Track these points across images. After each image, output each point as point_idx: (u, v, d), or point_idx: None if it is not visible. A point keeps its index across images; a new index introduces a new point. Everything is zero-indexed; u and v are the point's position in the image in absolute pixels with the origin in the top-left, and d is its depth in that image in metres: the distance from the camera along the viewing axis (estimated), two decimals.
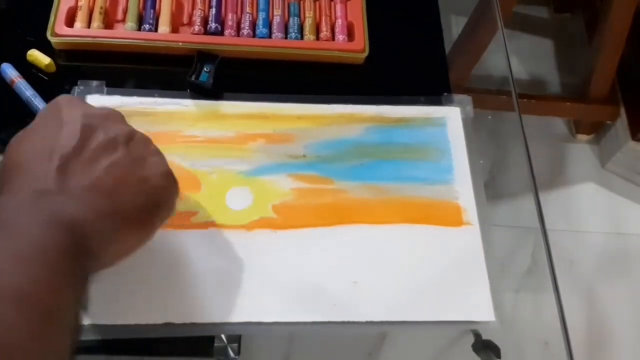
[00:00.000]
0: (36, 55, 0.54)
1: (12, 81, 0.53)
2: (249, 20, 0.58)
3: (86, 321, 0.43)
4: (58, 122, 0.38)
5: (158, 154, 0.41)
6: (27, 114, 0.52)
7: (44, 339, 0.30)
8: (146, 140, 0.40)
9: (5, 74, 0.53)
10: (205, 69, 0.54)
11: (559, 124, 1.55)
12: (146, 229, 0.39)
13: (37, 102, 0.52)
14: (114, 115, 0.40)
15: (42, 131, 0.38)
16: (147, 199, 0.38)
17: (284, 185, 0.50)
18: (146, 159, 0.39)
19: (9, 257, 0.31)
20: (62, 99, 0.40)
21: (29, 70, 0.54)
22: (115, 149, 0.38)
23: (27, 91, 0.52)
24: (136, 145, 0.39)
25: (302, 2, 0.60)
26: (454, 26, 1.16)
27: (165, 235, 0.47)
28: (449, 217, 0.51)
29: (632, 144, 1.40)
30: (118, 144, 0.38)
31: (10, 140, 0.38)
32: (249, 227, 0.48)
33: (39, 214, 0.34)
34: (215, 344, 0.45)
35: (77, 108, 0.39)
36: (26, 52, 0.54)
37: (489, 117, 0.60)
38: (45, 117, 0.39)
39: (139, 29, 0.56)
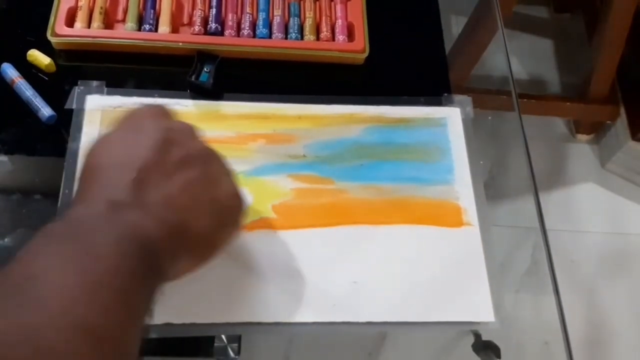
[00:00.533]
0: (36, 56, 0.54)
1: (13, 81, 0.53)
2: (249, 21, 0.58)
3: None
4: (138, 132, 0.37)
5: (230, 173, 0.40)
6: (27, 114, 0.52)
7: None
8: (221, 159, 0.40)
9: (6, 74, 0.53)
10: (205, 69, 0.54)
11: (559, 124, 1.55)
12: (213, 248, 0.39)
13: (37, 102, 0.52)
14: (193, 131, 0.40)
15: (121, 140, 0.38)
16: (218, 219, 0.38)
17: (284, 186, 0.50)
18: (220, 178, 0.39)
19: (79, 279, 0.30)
20: (144, 109, 0.40)
21: (29, 70, 0.54)
22: (192, 166, 0.37)
23: (27, 91, 0.52)
24: (212, 164, 0.39)
25: (302, 2, 0.60)
26: (454, 26, 1.15)
27: None
28: (449, 217, 0.51)
29: (632, 144, 1.40)
30: (195, 162, 0.38)
31: (90, 147, 0.38)
32: (249, 227, 0.48)
33: (113, 228, 0.33)
34: (215, 344, 0.45)
35: (158, 120, 0.39)
36: (26, 52, 0.54)
37: (489, 117, 0.60)
38: (126, 126, 0.39)
39: (139, 29, 0.56)
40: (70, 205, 0.36)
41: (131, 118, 0.39)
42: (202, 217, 0.37)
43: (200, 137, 0.41)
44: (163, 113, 0.40)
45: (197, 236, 0.37)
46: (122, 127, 0.39)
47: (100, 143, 0.38)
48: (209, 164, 0.39)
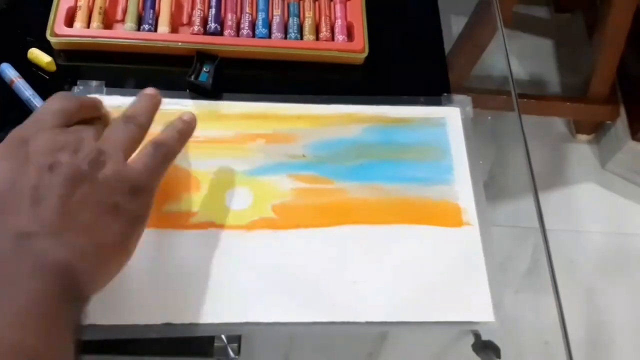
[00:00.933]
0: (37, 54, 0.54)
1: (12, 81, 0.53)
2: (249, 21, 0.58)
3: (86, 321, 0.43)
4: (23, 153, 0.36)
5: (123, 166, 0.38)
6: (28, 113, 0.52)
7: None
8: (109, 155, 0.38)
9: (5, 74, 0.53)
10: (204, 69, 0.54)
11: (559, 124, 1.55)
12: (127, 251, 0.38)
13: (36, 102, 0.52)
14: (79, 138, 0.38)
15: (7, 163, 0.36)
16: (123, 224, 0.37)
17: (283, 186, 0.50)
18: (117, 178, 0.38)
19: (7, 305, 0.31)
20: (27, 125, 0.38)
21: (29, 70, 0.54)
22: (83, 180, 0.36)
23: (27, 91, 0.52)
24: (102, 168, 0.37)
25: (301, 2, 0.60)
26: (454, 26, 1.15)
27: (165, 236, 0.47)
28: (449, 217, 0.51)
29: (632, 144, 1.40)
30: (86, 174, 0.37)
31: None
32: (249, 227, 0.48)
33: (27, 260, 0.33)
34: (215, 344, 0.45)
35: (41, 137, 0.37)
36: (26, 52, 0.54)
37: (489, 117, 0.60)
38: (9, 146, 0.37)
39: (139, 29, 0.56)
40: None
41: (14, 138, 0.38)
42: (108, 227, 0.37)
43: (88, 134, 0.39)
44: (44, 123, 0.39)
45: (108, 248, 0.37)
46: (5, 148, 0.37)
47: None
48: (100, 169, 0.37)
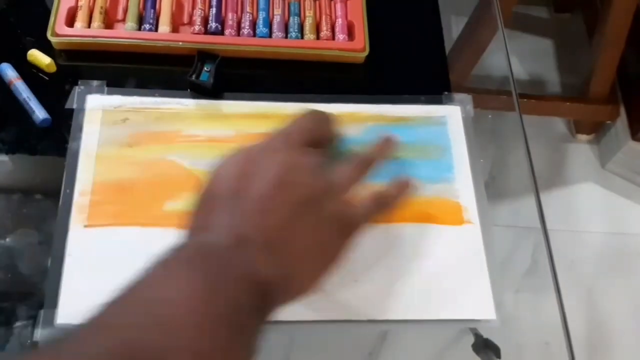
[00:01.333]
0: (36, 56, 0.54)
1: (10, 82, 0.52)
2: (249, 20, 0.58)
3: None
4: (268, 162, 0.37)
5: (346, 206, 0.39)
6: (25, 114, 0.52)
7: None
8: (338, 191, 0.39)
9: (5, 74, 0.53)
10: (205, 69, 0.54)
11: (559, 124, 1.55)
12: (315, 288, 0.39)
13: (32, 105, 0.51)
14: (316, 166, 0.39)
15: (251, 166, 0.37)
16: (326, 263, 0.38)
17: None
18: (336, 216, 0.38)
19: (205, 310, 0.31)
20: (273, 141, 0.40)
21: (29, 70, 0.54)
22: (312, 207, 0.37)
23: (24, 93, 0.52)
24: (330, 201, 0.38)
25: (302, 1, 0.60)
26: (454, 26, 1.15)
27: (165, 235, 0.47)
28: (450, 215, 0.51)
29: (632, 144, 1.40)
30: (315, 202, 0.37)
31: (214, 166, 0.38)
32: None
33: (240, 264, 0.33)
34: None
35: (287, 153, 0.38)
36: (26, 52, 0.54)
37: (489, 117, 0.59)
38: (258, 151, 0.38)
39: (139, 29, 0.56)
40: (193, 228, 0.37)
41: (256, 149, 0.39)
42: (315, 263, 0.37)
43: (323, 173, 0.39)
44: (290, 144, 0.40)
45: (306, 283, 0.37)
46: (246, 155, 0.38)
47: (224, 166, 0.38)
48: (328, 202, 0.38)
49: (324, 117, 0.43)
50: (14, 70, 0.53)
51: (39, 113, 0.51)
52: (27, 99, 0.52)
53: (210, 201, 0.37)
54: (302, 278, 0.37)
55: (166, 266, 0.33)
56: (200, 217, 0.37)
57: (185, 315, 0.30)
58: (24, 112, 0.52)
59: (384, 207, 0.43)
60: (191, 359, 0.29)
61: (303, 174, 0.38)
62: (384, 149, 0.44)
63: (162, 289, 0.31)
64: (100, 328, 0.30)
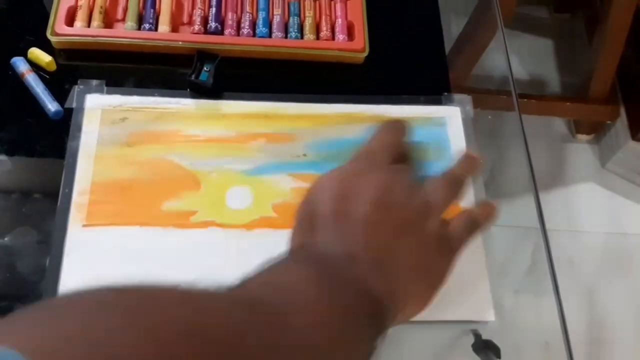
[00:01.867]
0: (37, 54, 0.54)
1: (23, 75, 0.53)
2: (249, 20, 0.58)
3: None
4: (361, 186, 0.38)
5: (444, 228, 0.40)
6: (26, 113, 0.52)
7: None
8: (435, 212, 0.39)
9: (17, 67, 0.53)
10: (205, 69, 0.54)
11: (559, 124, 1.55)
12: (422, 307, 0.39)
13: (45, 97, 0.52)
14: (410, 186, 0.40)
15: (342, 190, 0.38)
16: (428, 282, 0.39)
17: (284, 185, 0.50)
18: (434, 237, 0.39)
19: (325, 309, 0.32)
20: (360, 163, 0.40)
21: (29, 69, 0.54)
22: (410, 228, 0.38)
23: (37, 86, 0.52)
24: (427, 221, 0.39)
25: (302, 1, 0.60)
26: (454, 26, 1.15)
27: (165, 234, 0.47)
28: (449, 215, 0.50)
29: (632, 144, 1.40)
30: (416, 223, 0.38)
31: (310, 188, 0.39)
32: (249, 226, 0.48)
33: (351, 279, 0.35)
34: None
35: (375, 175, 0.39)
36: (26, 51, 0.54)
37: (489, 117, 0.59)
38: (343, 176, 0.39)
39: (139, 29, 0.56)
40: (299, 245, 0.38)
41: (353, 165, 0.40)
42: (416, 282, 0.38)
43: (419, 193, 0.40)
44: (383, 161, 0.40)
45: (410, 300, 0.38)
46: (340, 173, 0.40)
47: (321, 187, 0.39)
48: (426, 223, 0.38)
49: (402, 127, 0.43)
50: (26, 63, 0.53)
51: (51, 105, 0.51)
52: (41, 91, 0.52)
53: (312, 222, 0.38)
54: (410, 297, 0.38)
55: (282, 263, 0.35)
56: (306, 235, 0.38)
57: (305, 292, 0.32)
58: (25, 111, 0.52)
59: (475, 228, 0.42)
60: (310, 319, 0.30)
61: (400, 194, 0.38)
62: (470, 165, 0.44)
63: (281, 276, 0.33)
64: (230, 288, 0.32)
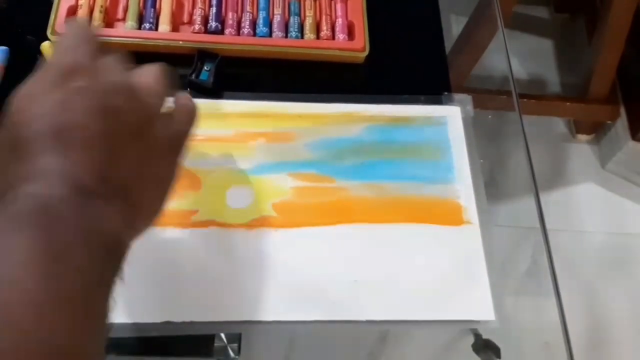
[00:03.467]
0: (50, 48, 0.54)
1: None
2: (250, 19, 0.58)
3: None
4: (74, 91, 0.31)
5: (169, 122, 0.36)
6: None
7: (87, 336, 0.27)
8: (156, 110, 0.35)
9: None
10: (205, 68, 0.54)
11: (559, 124, 1.55)
12: (165, 205, 0.36)
13: None
14: (129, 80, 0.34)
15: (55, 94, 0.31)
16: (171, 180, 0.36)
17: (284, 184, 0.50)
18: (164, 136, 0.35)
19: (45, 287, 0.26)
20: (78, 55, 0.33)
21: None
22: (141, 136, 0.33)
23: None
24: (153, 122, 0.34)
25: (302, 1, 0.60)
26: (454, 26, 1.16)
27: (165, 234, 0.47)
28: (450, 215, 0.51)
29: (632, 144, 1.40)
30: (142, 130, 0.33)
31: (16, 93, 0.32)
32: (249, 225, 0.48)
33: (82, 222, 0.28)
34: (215, 344, 0.45)
35: (93, 76, 0.32)
36: (26, 51, 0.54)
37: (489, 117, 0.59)
38: (58, 74, 0.32)
39: (139, 28, 0.56)
40: (12, 177, 0.29)
41: (60, 64, 0.33)
42: (157, 192, 0.35)
43: (130, 74, 0.35)
44: (94, 62, 0.34)
45: (152, 212, 0.35)
46: (53, 75, 0.32)
47: (31, 93, 0.31)
48: (157, 127, 0.34)
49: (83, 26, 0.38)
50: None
51: None
52: None
53: (24, 141, 0.30)
54: (148, 211, 0.34)
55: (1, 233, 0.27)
56: (19, 162, 0.30)
57: (20, 305, 0.25)
58: None
59: (193, 114, 0.38)
60: (39, 357, 0.25)
61: (121, 96, 0.33)
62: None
63: None
64: None
